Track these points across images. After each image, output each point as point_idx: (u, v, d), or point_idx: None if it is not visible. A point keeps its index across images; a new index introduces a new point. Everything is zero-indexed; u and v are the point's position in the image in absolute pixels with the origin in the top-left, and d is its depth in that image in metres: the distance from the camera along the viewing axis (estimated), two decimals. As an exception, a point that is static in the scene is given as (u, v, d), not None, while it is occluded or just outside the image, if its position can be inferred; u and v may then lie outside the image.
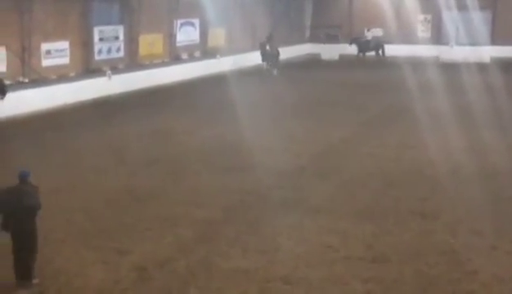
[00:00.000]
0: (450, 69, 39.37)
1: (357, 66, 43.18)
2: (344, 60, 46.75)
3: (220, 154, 19.18)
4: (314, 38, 52.23)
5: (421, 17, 50.31)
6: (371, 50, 45.03)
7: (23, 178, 10.53)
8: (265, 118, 24.43)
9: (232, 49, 40.87)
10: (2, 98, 20.77)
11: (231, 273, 11.03)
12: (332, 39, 50.68)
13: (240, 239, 12.56)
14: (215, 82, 33.97)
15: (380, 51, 45.05)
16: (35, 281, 10.52)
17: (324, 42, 50.42)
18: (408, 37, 47.27)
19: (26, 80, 27.92)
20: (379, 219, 13.73)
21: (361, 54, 45.09)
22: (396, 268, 11.27)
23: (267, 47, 39.15)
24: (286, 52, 44.80)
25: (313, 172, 17.45)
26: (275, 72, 38.41)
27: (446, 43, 47.78)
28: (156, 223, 13.40)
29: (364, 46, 45.13)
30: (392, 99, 29.40)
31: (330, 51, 48.55)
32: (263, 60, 39.48)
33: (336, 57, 48.20)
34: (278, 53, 39.76)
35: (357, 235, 12.82)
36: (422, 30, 50.51)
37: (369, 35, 46.24)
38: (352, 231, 13.02)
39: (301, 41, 50.80)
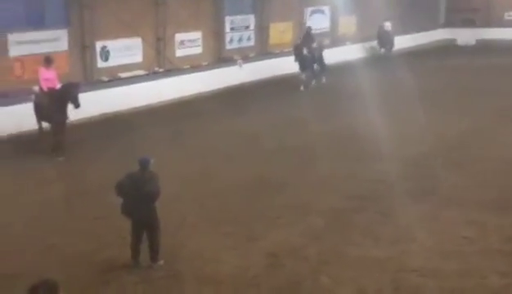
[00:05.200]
0: None
1: (495, 51, 41.42)
2: (481, 46, 44.86)
3: (350, 143, 18.98)
4: (449, 23, 50.35)
5: None
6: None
7: (143, 165, 10.73)
8: (396, 107, 23.86)
9: (361, 37, 40.31)
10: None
11: (363, 262, 10.89)
12: (469, 23, 48.80)
13: (372, 229, 12.40)
14: (344, 69, 33.61)
15: None
16: (160, 262, 10.89)
17: (460, 27, 48.46)
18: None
19: (161, 70, 28.76)
20: (518, 210, 13.15)
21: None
22: (537, 262, 10.75)
23: (305, 51, 29.23)
24: (417, 39, 43.80)
25: (446, 162, 16.88)
26: (323, 79, 30.43)
27: None
28: (287, 211, 13.44)
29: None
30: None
31: (467, 36, 46.78)
32: (301, 69, 29.33)
33: (473, 42, 46.37)
34: (322, 56, 30.62)
35: (493, 227, 12.32)
36: None
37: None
38: (488, 222, 12.53)
39: (434, 26, 49.20)
